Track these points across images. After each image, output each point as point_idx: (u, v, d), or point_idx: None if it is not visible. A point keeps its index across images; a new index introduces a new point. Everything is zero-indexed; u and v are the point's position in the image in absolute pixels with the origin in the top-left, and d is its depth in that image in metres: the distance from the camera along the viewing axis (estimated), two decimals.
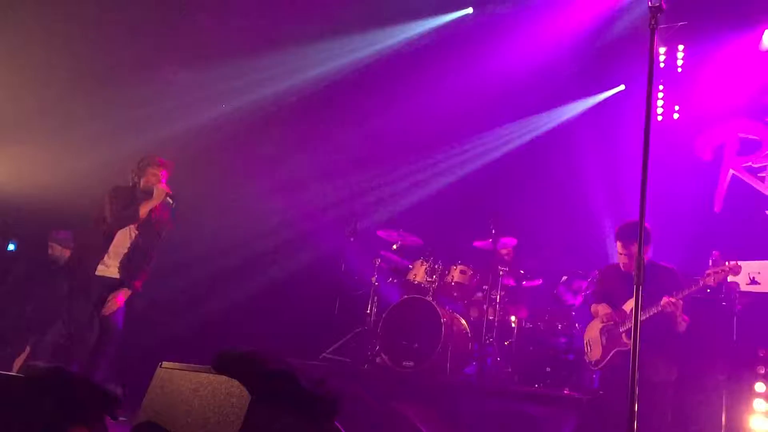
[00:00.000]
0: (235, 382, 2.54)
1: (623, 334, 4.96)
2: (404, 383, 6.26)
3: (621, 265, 5.12)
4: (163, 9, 7.14)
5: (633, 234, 5.03)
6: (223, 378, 2.62)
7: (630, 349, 4.75)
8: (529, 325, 6.72)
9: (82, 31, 6.86)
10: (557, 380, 6.19)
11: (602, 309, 5.16)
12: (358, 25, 7.70)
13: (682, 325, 4.74)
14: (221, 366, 2.63)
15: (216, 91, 7.58)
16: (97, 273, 5.36)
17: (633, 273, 4.87)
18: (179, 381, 2.84)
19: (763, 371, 4.95)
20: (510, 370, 6.46)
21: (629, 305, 4.96)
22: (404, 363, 6.38)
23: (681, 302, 4.64)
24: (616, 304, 5.07)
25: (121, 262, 5.43)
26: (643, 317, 4.80)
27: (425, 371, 6.26)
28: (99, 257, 5.37)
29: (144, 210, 5.45)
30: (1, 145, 6.82)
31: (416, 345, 6.40)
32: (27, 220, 7.02)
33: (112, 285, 5.38)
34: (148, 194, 5.48)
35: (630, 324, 4.86)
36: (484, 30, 7.72)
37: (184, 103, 7.37)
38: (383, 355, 6.52)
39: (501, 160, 8.21)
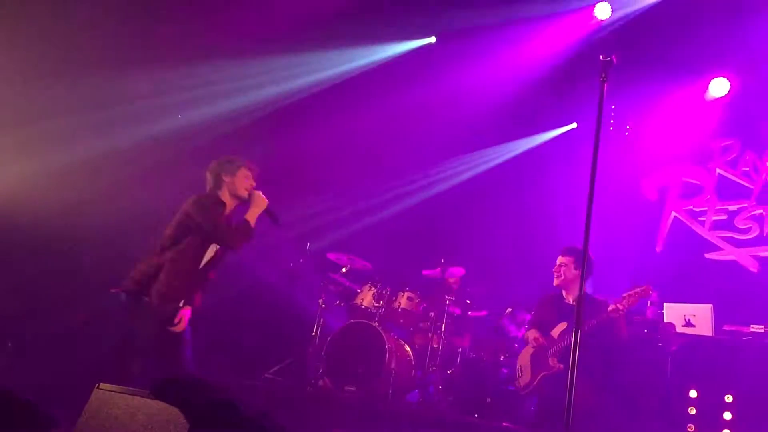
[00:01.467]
0: (174, 410, 2.52)
1: (550, 358, 5.12)
2: (345, 408, 6.24)
3: (555, 279, 5.28)
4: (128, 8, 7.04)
5: (572, 251, 5.28)
6: (162, 404, 2.59)
7: (556, 372, 5.01)
8: (472, 354, 6.78)
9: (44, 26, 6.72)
10: (497, 411, 6.25)
11: (531, 334, 5.37)
12: (319, 45, 7.74)
13: (624, 336, 4.97)
14: (160, 392, 2.59)
15: (173, 100, 7.48)
16: None
17: (566, 297, 5.19)
18: (116, 403, 2.81)
19: (694, 412, 5.11)
20: (451, 398, 6.50)
21: (557, 330, 5.18)
22: (346, 387, 6.36)
23: (623, 309, 4.84)
24: (546, 330, 5.25)
25: None
26: (567, 342, 4.97)
27: (367, 397, 6.25)
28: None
29: (253, 221, 4.65)
30: None
31: (360, 369, 6.40)
32: None
33: None
34: (240, 199, 4.73)
35: (556, 348, 5.10)
36: (444, 61, 7.85)
37: (142, 109, 7.25)
38: (326, 378, 6.50)
39: (453, 189, 8.32)
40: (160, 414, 2.56)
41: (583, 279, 3.25)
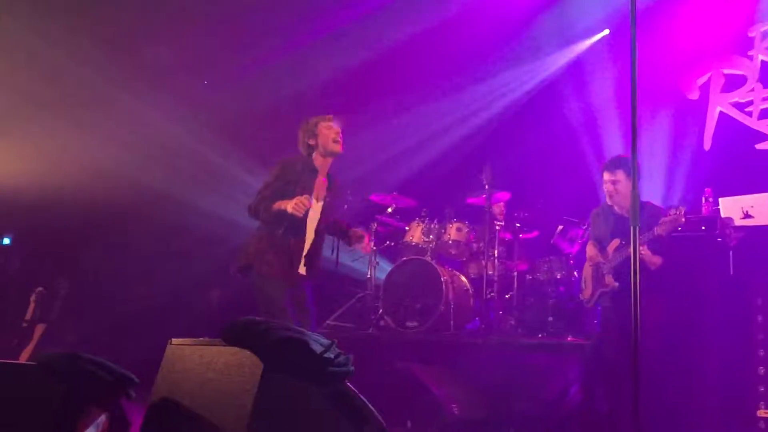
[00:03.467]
0: (246, 353, 2.57)
1: (606, 276, 5.08)
2: (409, 344, 6.34)
3: (607, 198, 5.18)
4: None
5: (619, 163, 5.11)
6: (234, 349, 2.65)
7: (611, 289, 4.98)
8: (528, 277, 6.78)
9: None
10: (560, 329, 6.28)
11: (590, 250, 5.30)
12: None
13: (656, 265, 4.87)
14: (230, 338, 2.66)
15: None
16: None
17: (617, 209, 5.09)
18: (190, 356, 2.88)
19: (760, 308, 5.02)
20: (513, 322, 6.54)
21: (612, 246, 5.10)
22: (408, 324, 6.44)
23: (645, 249, 4.77)
24: (603, 245, 5.18)
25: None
26: (620, 259, 4.91)
27: (429, 330, 6.33)
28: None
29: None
30: None
31: (418, 305, 6.46)
32: (21, 214, 7.00)
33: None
34: (334, 154, 4.67)
35: (611, 264, 5.04)
36: None
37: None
38: (386, 318, 6.59)
39: (488, 115, 8.17)
40: (234, 359, 2.61)
41: (635, 178, 3.16)
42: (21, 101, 6.76)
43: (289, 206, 4.33)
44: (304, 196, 4.41)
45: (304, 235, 4.60)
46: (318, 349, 2.58)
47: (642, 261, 4.71)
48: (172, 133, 7.16)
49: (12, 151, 6.94)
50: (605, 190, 5.19)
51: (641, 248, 4.71)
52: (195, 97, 7.40)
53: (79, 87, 6.91)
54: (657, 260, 4.89)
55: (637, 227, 2.84)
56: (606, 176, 5.16)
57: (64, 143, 6.90)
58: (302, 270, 4.62)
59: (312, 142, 4.69)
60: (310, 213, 4.55)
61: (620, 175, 5.08)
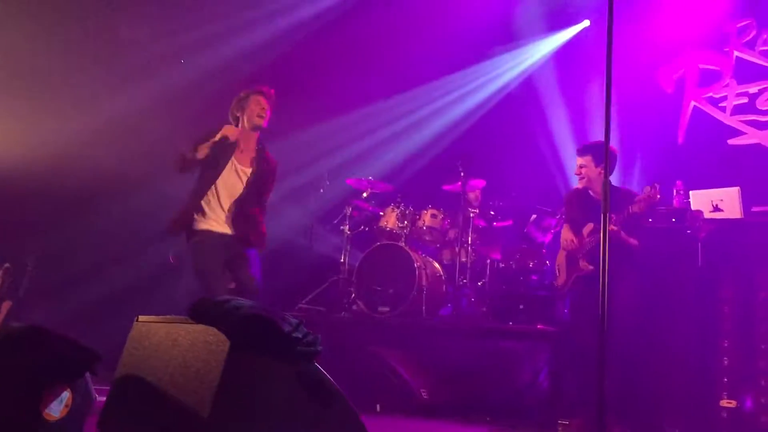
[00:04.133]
0: (213, 330, 2.56)
1: (580, 260, 5.13)
2: (381, 328, 6.35)
3: (579, 183, 5.25)
4: None
5: (589, 149, 5.19)
6: (201, 327, 2.64)
7: (587, 273, 5.03)
8: (501, 265, 6.81)
9: None
10: (530, 316, 6.31)
11: (565, 233, 5.34)
12: None
13: (633, 246, 4.93)
14: (198, 315, 2.64)
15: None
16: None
17: (592, 193, 5.14)
18: (156, 333, 2.86)
19: (727, 299, 5.11)
20: (485, 309, 6.56)
21: (587, 230, 5.16)
22: (380, 308, 6.44)
23: (617, 228, 4.83)
24: (577, 229, 5.21)
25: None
26: (595, 243, 4.96)
27: (401, 315, 6.34)
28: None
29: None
30: None
31: (391, 290, 6.46)
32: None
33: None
34: (257, 128, 4.91)
35: (586, 249, 5.09)
36: None
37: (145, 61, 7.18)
38: (359, 302, 6.58)
39: (467, 103, 8.18)
40: (201, 336, 2.60)
41: (607, 167, 3.19)
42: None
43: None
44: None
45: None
46: (286, 328, 2.57)
47: (618, 243, 4.74)
48: (145, 115, 7.06)
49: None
50: (576, 174, 5.31)
51: (615, 227, 4.75)
52: (163, 77, 7.28)
53: (45, 65, 6.79)
54: (633, 242, 4.95)
55: (608, 213, 2.86)
56: (577, 161, 5.25)
57: (33, 120, 6.78)
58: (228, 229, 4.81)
59: (239, 114, 4.95)
60: (231, 176, 4.81)
61: (588, 160, 5.17)
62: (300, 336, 2.56)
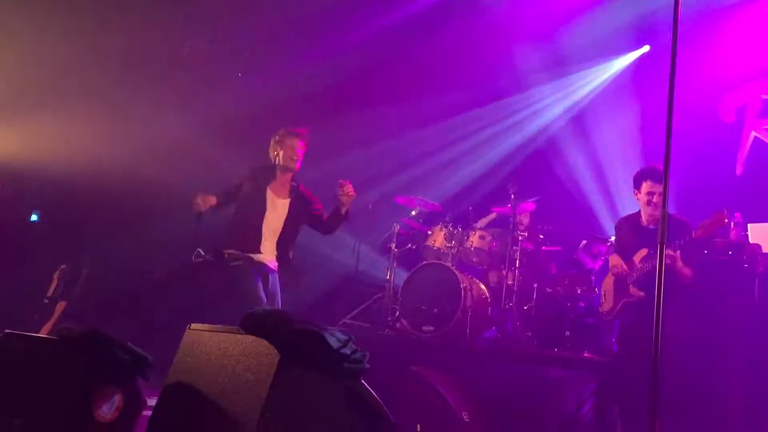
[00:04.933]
0: (264, 342, 2.59)
1: (630, 285, 4.98)
2: (424, 348, 6.32)
3: (644, 208, 5.08)
4: None
5: (659, 176, 5.01)
6: (252, 338, 2.67)
7: (636, 299, 4.89)
8: (548, 290, 6.73)
9: None
10: (577, 344, 6.22)
11: (613, 260, 5.20)
12: None
13: (686, 277, 4.75)
14: (250, 326, 2.67)
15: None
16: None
17: (644, 221, 5.01)
18: (208, 342, 2.90)
19: None
20: (530, 334, 6.49)
21: (639, 256, 4.99)
22: (424, 328, 6.42)
23: (677, 254, 4.66)
24: (628, 256, 5.09)
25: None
26: (647, 269, 4.82)
27: (445, 336, 6.30)
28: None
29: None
30: (20, 113, 6.87)
31: (436, 310, 6.44)
32: (49, 191, 7.10)
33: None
34: (290, 170, 5.28)
35: (636, 275, 4.93)
36: None
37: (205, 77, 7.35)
38: (403, 321, 6.57)
39: (521, 127, 8.14)
40: (252, 348, 2.63)
41: (665, 195, 3.13)
42: (50, 81, 6.88)
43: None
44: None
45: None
46: (335, 344, 2.58)
47: (672, 270, 4.63)
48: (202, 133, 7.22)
49: (42, 130, 7.04)
50: (643, 200, 5.07)
51: (674, 253, 4.63)
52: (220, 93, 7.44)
53: (108, 73, 7.00)
54: (687, 272, 4.75)
55: (664, 243, 2.80)
56: (648, 186, 5.03)
57: (94, 125, 6.99)
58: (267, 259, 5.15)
59: (275, 153, 5.28)
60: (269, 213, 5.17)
61: (662, 188, 4.99)
62: (348, 352, 2.57)
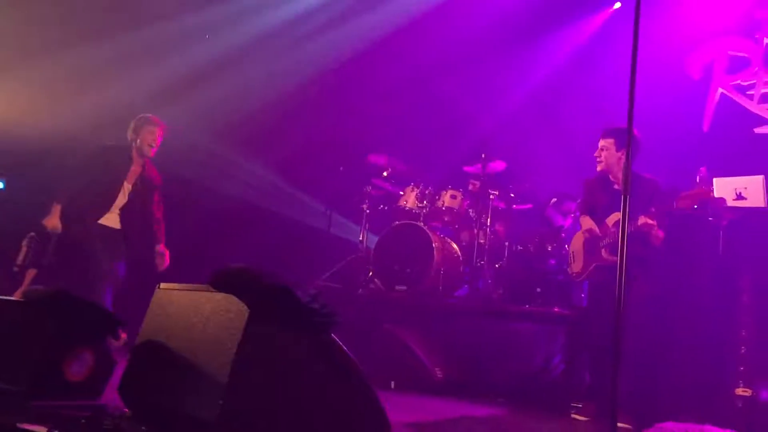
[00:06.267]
0: (234, 298, 2.60)
1: (603, 249, 4.98)
2: (397, 306, 6.40)
3: (597, 166, 5.15)
4: None
5: (612, 132, 5.10)
6: (221, 295, 2.67)
7: (609, 264, 4.90)
8: (519, 247, 6.81)
9: None
10: (547, 300, 6.32)
11: (585, 222, 5.19)
12: None
13: (657, 240, 4.81)
14: (219, 283, 2.68)
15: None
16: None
17: (614, 181, 5.07)
18: (178, 300, 2.90)
19: (747, 289, 5.06)
20: (501, 291, 6.58)
21: (612, 219, 4.98)
22: (397, 287, 6.50)
23: (655, 222, 4.71)
24: (599, 218, 5.11)
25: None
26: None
27: (418, 294, 6.38)
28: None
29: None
30: None
31: (408, 269, 6.51)
32: (15, 160, 6.95)
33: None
34: (145, 156, 5.58)
35: (610, 239, 4.93)
36: None
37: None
38: (376, 280, 6.64)
39: (490, 85, 8.10)
40: (221, 304, 2.64)
41: (629, 149, 3.16)
42: (18, 46, 6.70)
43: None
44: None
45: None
46: (304, 298, 2.60)
47: (648, 235, 4.70)
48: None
49: (7, 96, 6.88)
50: (595, 156, 5.18)
51: (650, 221, 4.67)
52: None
53: (72, 33, 6.84)
54: (661, 234, 4.79)
55: (627, 197, 2.85)
56: (600, 143, 5.15)
57: (57, 87, 6.84)
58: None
59: (133, 136, 5.54)
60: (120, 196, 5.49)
61: (610, 143, 5.06)
62: (317, 307, 2.60)
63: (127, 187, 5.52)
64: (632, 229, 4.66)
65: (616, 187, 5.12)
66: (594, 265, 5.05)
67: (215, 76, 7.30)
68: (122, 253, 5.49)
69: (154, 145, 5.54)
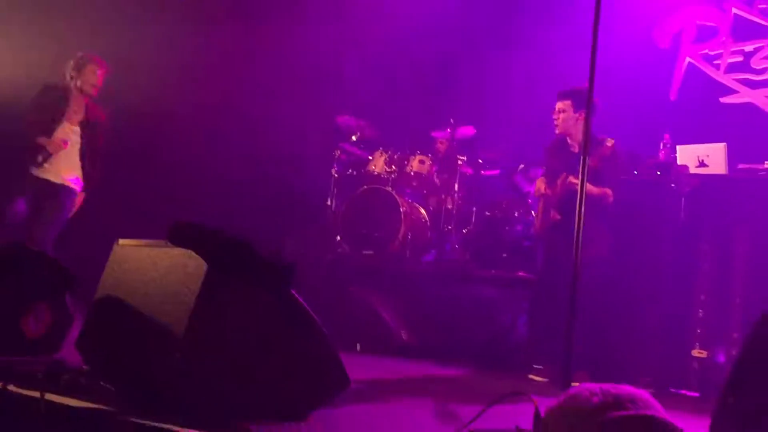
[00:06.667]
0: (191, 253, 2.58)
1: (551, 209, 5.07)
2: (365, 270, 6.43)
3: (556, 129, 5.18)
4: None
5: (570, 93, 5.10)
6: (180, 250, 2.66)
7: (558, 222, 4.94)
8: (487, 213, 6.84)
9: None
10: (513, 265, 6.38)
11: (537, 183, 5.31)
12: None
13: (607, 196, 4.91)
14: (176, 238, 2.66)
15: None
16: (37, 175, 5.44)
17: (571, 144, 5.10)
18: (136, 256, 2.88)
19: (706, 254, 5.16)
20: (468, 256, 6.63)
21: (561, 179, 5.04)
22: (364, 251, 6.52)
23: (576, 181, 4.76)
24: (552, 179, 5.17)
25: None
26: (563, 191, 4.93)
27: (385, 259, 6.41)
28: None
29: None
30: None
31: (376, 234, 6.53)
32: None
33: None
34: (89, 96, 5.57)
35: (555, 199, 5.03)
36: None
37: None
38: (344, 245, 6.65)
39: (458, 48, 8.03)
40: (179, 259, 2.62)
41: (589, 112, 3.19)
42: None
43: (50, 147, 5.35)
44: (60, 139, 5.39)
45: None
46: (264, 253, 2.60)
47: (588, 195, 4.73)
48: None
49: None
50: (553, 118, 5.19)
51: (574, 179, 4.69)
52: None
53: None
54: (599, 191, 4.86)
55: (586, 158, 2.88)
56: (556, 106, 5.17)
57: (19, 47, 6.66)
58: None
59: (74, 74, 5.50)
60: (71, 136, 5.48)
61: (567, 105, 5.08)
62: (277, 262, 2.59)
63: (69, 127, 5.49)
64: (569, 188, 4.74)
65: (571, 150, 5.16)
66: (547, 224, 5.13)
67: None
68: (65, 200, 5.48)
69: (97, 85, 5.52)
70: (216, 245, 2.54)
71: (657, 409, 1.05)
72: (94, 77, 5.49)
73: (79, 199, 5.61)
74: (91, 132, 5.59)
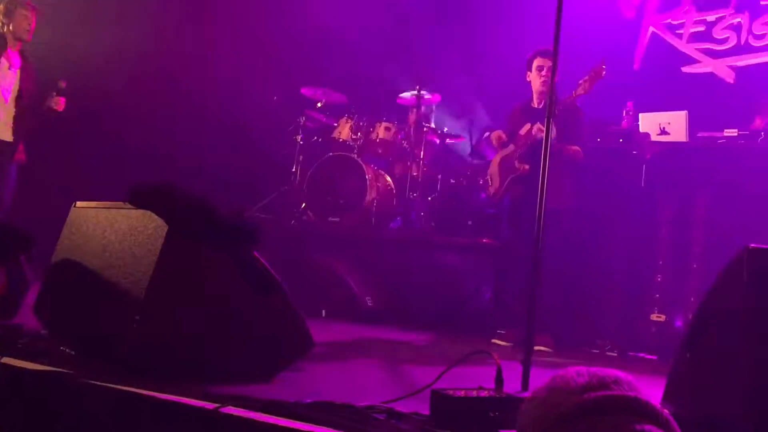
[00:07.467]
0: (152, 215, 2.54)
1: (515, 161, 5.05)
2: (330, 238, 6.42)
3: (539, 84, 5.13)
4: None
5: (548, 53, 5.05)
6: (139, 212, 2.61)
7: (523, 174, 4.93)
8: (452, 181, 6.86)
9: None
10: (478, 232, 6.42)
11: (494, 134, 5.31)
12: None
13: (578, 153, 4.95)
14: (136, 199, 2.61)
15: None
16: None
17: (536, 105, 5.10)
18: (94, 218, 2.83)
19: (666, 220, 5.25)
20: (433, 224, 6.65)
21: (524, 129, 5.04)
22: (330, 218, 6.50)
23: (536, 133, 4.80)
24: (513, 133, 5.17)
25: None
26: (529, 142, 4.95)
27: (351, 226, 6.40)
28: None
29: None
30: None
31: (342, 201, 6.52)
32: None
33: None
34: (22, 40, 5.42)
35: (520, 150, 5.03)
36: None
37: None
38: (309, 212, 6.62)
39: (425, 15, 7.96)
40: (139, 221, 2.58)
41: (554, 70, 3.19)
42: None
43: None
44: None
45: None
46: (225, 215, 2.57)
47: (554, 150, 4.75)
48: None
49: None
50: (539, 76, 5.12)
51: (541, 129, 4.65)
52: None
53: None
54: (572, 149, 4.90)
55: (552, 115, 2.89)
56: (538, 61, 5.10)
57: None
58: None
59: (6, 21, 5.35)
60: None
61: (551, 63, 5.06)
62: (239, 223, 2.57)
63: (8, 73, 5.33)
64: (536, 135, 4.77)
65: (534, 106, 5.15)
66: (510, 177, 5.10)
67: None
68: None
69: (29, 29, 5.39)
70: (176, 207, 2.50)
71: (640, 392, 1.07)
72: (26, 22, 5.34)
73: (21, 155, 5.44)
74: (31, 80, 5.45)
